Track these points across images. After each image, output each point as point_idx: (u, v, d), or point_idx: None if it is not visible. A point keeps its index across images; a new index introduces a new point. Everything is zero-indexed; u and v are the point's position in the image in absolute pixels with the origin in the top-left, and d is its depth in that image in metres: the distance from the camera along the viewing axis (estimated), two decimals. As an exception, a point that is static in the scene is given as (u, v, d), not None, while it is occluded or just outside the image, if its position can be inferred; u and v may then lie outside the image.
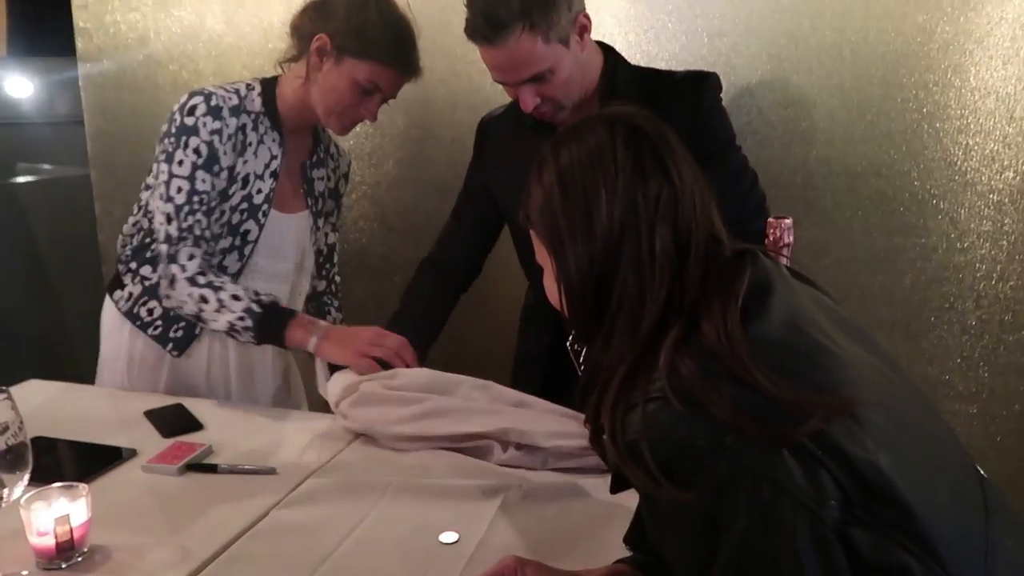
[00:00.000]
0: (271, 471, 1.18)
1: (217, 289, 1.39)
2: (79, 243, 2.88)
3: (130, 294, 1.53)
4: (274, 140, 1.48)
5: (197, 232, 1.41)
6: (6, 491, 0.85)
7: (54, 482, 0.97)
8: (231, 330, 1.39)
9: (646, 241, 0.77)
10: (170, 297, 1.43)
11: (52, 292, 3.23)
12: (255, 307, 1.38)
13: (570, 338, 0.89)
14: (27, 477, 0.87)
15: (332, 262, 1.71)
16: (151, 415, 1.37)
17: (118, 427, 1.33)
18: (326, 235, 1.66)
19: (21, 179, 3.15)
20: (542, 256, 0.85)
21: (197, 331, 1.52)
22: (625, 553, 0.92)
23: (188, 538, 1.01)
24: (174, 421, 1.35)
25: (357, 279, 2.30)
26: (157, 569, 0.95)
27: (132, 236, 1.54)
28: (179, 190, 1.40)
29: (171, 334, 1.52)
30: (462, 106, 2.23)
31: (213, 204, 1.43)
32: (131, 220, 1.55)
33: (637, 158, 0.79)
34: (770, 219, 1.08)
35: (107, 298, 1.58)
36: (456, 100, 2.22)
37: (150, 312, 1.52)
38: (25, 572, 0.93)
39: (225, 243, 1.47)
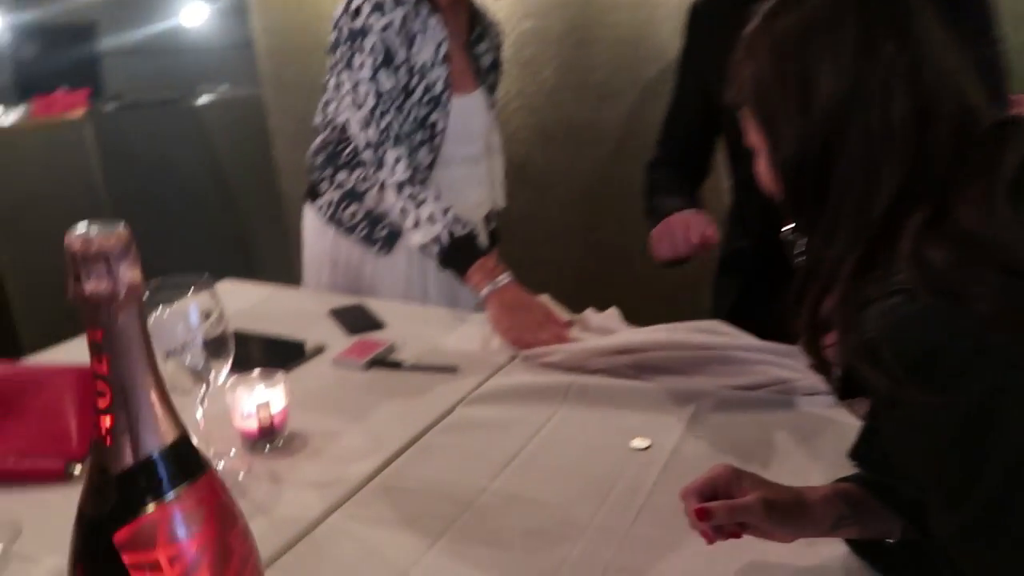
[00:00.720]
0: (453, 369, 1.17)
1: (419, 204, 1.39)
2: (255, 157, 3.02)
3: (329, 201, 1.57)
4: (436, 23, 1.44)
5: (395, 130, 1.40)
6: (212, 375, 0.88)
7: (272, 363, 1.02)
8: (421, 248, 1.40)
9: (878, 111, 0.65)
10: (381, 203, 1.47)
11: (234, 202, 3.43)
12: (444, 237, 1.36)
13: (783, 230, 0.79)
14: (229, 363, 0.89)
15: None
16: (336, 314, 1.40)
17: (305, 324, 1.37)
18: None
19: (201, 101, 3.32)
20: (755, 138, 0.75)
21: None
22: (846, 471, 0.83)
23: (378, 428, 1.03)
24: (358, 320, 1.38)
25: (518, 192, 2.25)
26: (352, 455, 0.96)
27: (321, 150, 1.57)
28: (367, 94, 1.39)
29: (376, 234, 1.54)
30: (623, 6, 2.09)
31: (400, 102, 1.41)
32: (318, 139, 1.57)
33: (867, 18, 0.67)
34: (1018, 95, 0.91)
35: (307, 207, 1.63)
36: (616, 0, 2.09)
37: (352, 215, 1.55)
38: (233, 450, 0.97)
39: (415, 139, 1.45)
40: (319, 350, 1.26)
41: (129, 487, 0.46)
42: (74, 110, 2.99)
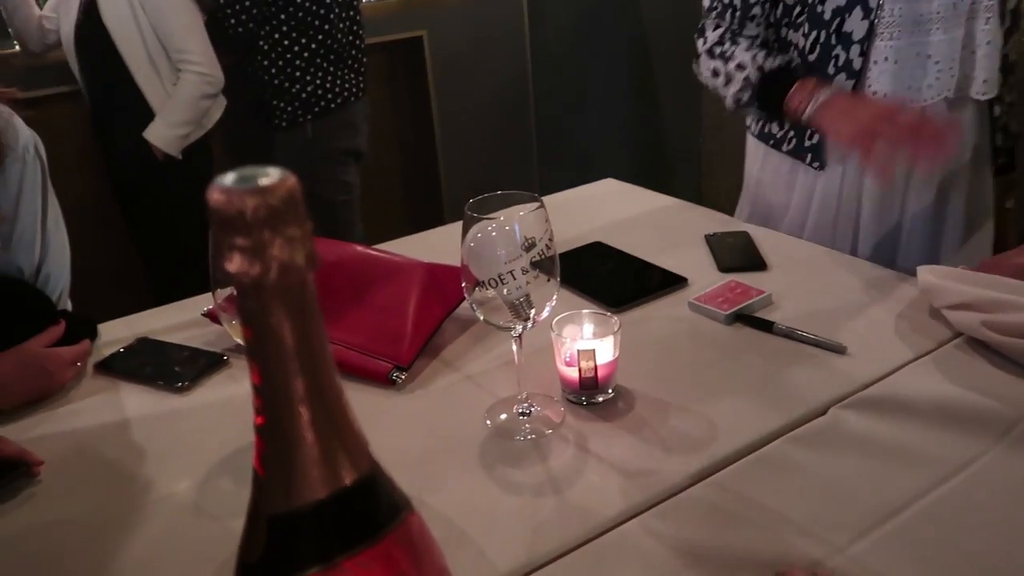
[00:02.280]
0: (840, 349, 0.88)
1: (727, 60, 1.23)
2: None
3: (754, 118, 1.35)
4: None
5: (727, 1, 1.23)
6: (533, 311, 0.74)
7: (603, 298, 0.91)
8: (738, 106, 1.22)
9: None
10: (701, 75, 1.30)
11: (655, 92, 3.29)
12: (754, 76, 1.19)
13: None
14: (555, 297, 0.75)
15: None
16: (712, 240, 1.18)
17: (677, 247, 1.17)
18: None
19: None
20: None
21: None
22: None
23: (720, 412, 0.80)
24: (735, 253, 1.14)
25: None
26: (679, 442, 0.76)
27: None
28: None
29: (806, 143, 1.24)
30: None
31: None
32: None
33: None
34: None
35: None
36: None
37: (780, 126, 1.28)
38: (555, 397, 0.84)
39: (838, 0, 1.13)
40: (682, 284, 1.06)
41: (281, 537, 0.33)
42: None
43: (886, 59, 1.12)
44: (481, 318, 0.75)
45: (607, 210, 1.37)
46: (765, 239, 1.18)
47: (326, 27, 2.07)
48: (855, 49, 1.13)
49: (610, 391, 0.83)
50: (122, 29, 1.90)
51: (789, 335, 0.92)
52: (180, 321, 1.04)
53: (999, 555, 0.61)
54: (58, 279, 1.00)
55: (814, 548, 0.62)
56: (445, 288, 0.96)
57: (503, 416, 0.82)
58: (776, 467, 0.72)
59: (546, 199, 0.73)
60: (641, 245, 1.18)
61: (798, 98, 1.13)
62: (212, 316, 0.99)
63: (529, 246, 0.72)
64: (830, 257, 1.14)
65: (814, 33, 1.16)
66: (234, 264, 0.29)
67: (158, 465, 0.79)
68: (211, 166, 2.14)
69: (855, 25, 1.12)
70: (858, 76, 1.14)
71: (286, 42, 2.05)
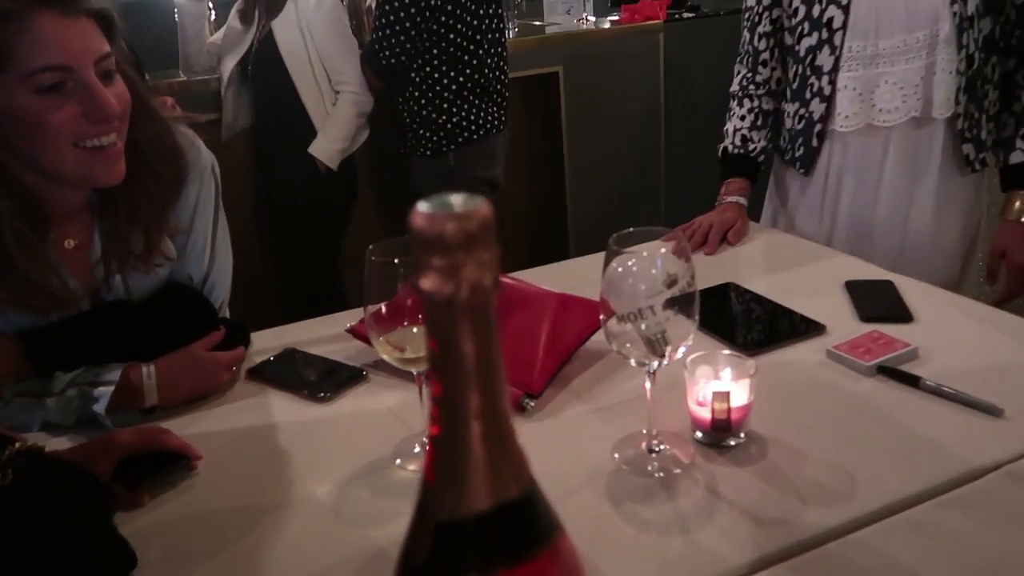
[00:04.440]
0: (996, 411, 0.83)
1: (730, 117, 1.56)
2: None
3: None
4: None
5: (751, 43, 1.51)
6: (668, 348, 0.74)
7: (738, 340, 0.93)
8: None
9: None
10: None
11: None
12: (720, 151, 1.57)
13: None
14: (691, 335, 0.74)
15: None
16: (852, 287, 1.14)
17: (814, 292, 1.14)
18: None
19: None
20: None
21: (816, 143, 1.44)
22: None
23: (856, 467, 0.77)
24: (878, 302, 1.09)
25: None
26: (812, 495, 0.74)
27: None
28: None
29: (796, 153, 1.49)
30: None
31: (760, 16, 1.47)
32: None
33: None
34: None
35: None
36: None
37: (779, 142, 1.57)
38: (685, 437, 0.83)
39: (811, 40, 1.39)
40: (813, 330, 1.03)
41: (446, 543, 0.35)
42: (655, 18, 3.10)
43: (846, 87, 1.37)
44: (616, 351, 0.76)
45: (738, 250, 1.35)
46: (910, 289, 1.12)
47: (475, 62, 2.16)
48: (825, 79, 1.38)
49: (742, 435, 0.82)
50: (295, 56, 2.11)
51: (938, 392, 0.87)
52: (324, 335, 1.11)
53: None
54: (221, 289, 1.08)
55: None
56: (578, 319, 0.98)
57: (631, 451, 0.82)
58: (925, 531, 0.69)
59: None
60: (775, 288, 1.15)
61: (723, 191, 1.50)
62: (355, 332, 1.05)
63: (671, 283, 0.72)
64: (981, 311, 1.07)
65: (794, 67, 1.44)
66: (429, 282, 0.31)
67: (301, 468, 0.84)
68: (356, 187, 2.33)
69: (824, 60, 1.38)
70: (828, 101, 1.39)
71: (436, 75, 2.15)
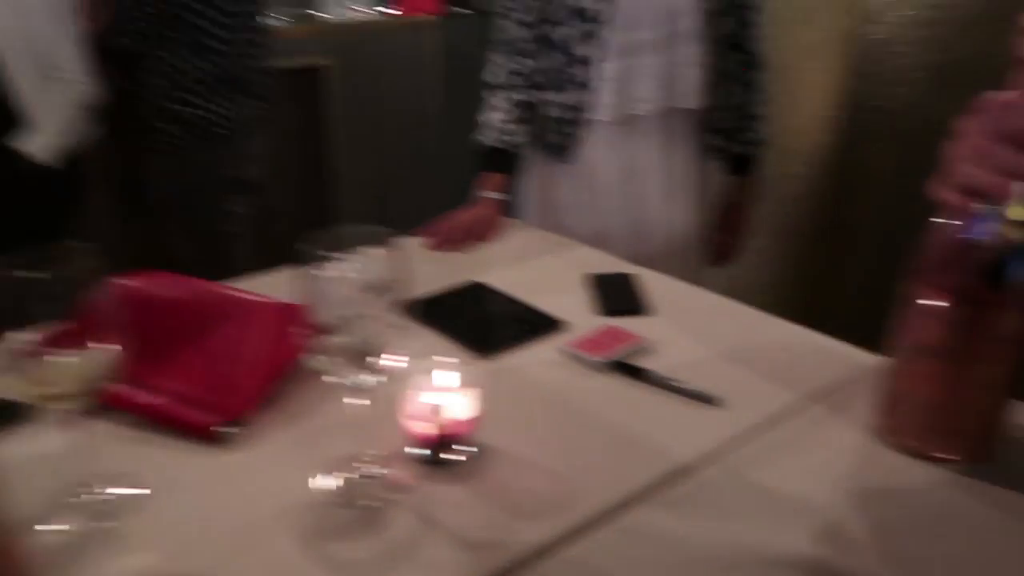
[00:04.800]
0: (716, 401, 0.83)
1: (491, 109, 1.49)
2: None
3: None
4: None
5: (513, 33, 1.46)
6: (383, 360, 0.66)
7: (475, 344, 0.85)
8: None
9: None
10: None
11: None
12: (478, 143, 1.49)
13: None
14: (408, 346, 0.66)
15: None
16: (594, 281, 1.13)
17: (563, 289, 1.11)
18: None
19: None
20: None
21: (577, 134, 1.45)
22: None
23: (589, 471, 0.74)
24: (617, 295, 1.08)
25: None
26: (534, 506, 0.69)
27: None
28: None
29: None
30: None
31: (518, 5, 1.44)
32: None
33: None
34: None
35: None
36: None
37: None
38: (404, 458, 0.75)
39: (571, 31, 1.39)
40: (551, 328, 1.00)
41: None
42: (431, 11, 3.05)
43: (606, 77, 1.40)
44: (323, 367, 0.66)
45: (490, 248, 1.30)
46: (652, 282, 1.13)
47: (225, 50, 1.97)
48: (585, 69, 1.40)
49: (468, 449, 0.76)
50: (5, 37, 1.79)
51: (662, 385, 0.86)
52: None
53: None
54: None
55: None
56: (291, 331, 0.87)
57: (339, 480, 0.73)
58: (634, 535, 0.66)
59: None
60: (522, 286, 1.11)
61: (479, 184, 1.45)
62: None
63: (382, 289, 0.64)
64: (714, 301, 1.10)
65: (555, 57, 1.43)
66: None
67: None
68: (82, 189, 2.02)
69: (585, 50, 1.39)
70: (589, 91, 1.41)
71: (178, 64, 1.93)
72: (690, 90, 1.42)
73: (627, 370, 0.89)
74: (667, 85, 1.41)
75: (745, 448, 0.76)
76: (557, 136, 1.47)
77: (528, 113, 1.49)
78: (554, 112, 1.46)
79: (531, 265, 1.24)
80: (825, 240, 2.14)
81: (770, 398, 0.84)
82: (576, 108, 1.43)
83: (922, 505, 0.68)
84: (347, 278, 0.65)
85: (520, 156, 1.50)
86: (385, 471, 0.73)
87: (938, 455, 0.72)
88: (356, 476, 0.72)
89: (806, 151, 2.11)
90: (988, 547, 0.64)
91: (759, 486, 0.71)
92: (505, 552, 0.63)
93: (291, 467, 0.75)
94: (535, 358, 0.94)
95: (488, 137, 1.48)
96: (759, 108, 1.53)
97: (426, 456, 0.75)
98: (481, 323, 1.04)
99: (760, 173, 1.59)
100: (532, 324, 1.01)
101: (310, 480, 0.72)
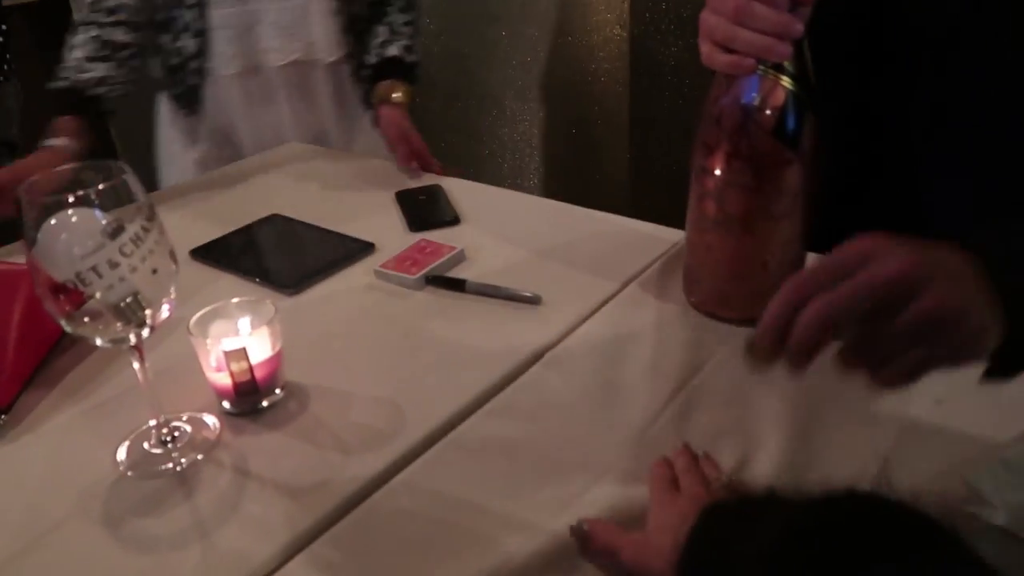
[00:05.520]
0: (536, 300, 0.82)
1: (71, 48, 1.23)
2: None
3: None
4: None
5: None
6: (149, 312, 0.58)
7: (277, 280, 0.79)
8: None
9: None
10: None
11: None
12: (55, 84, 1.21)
13: None
14: (172, 292, 0.58)
15: None
16: (401, 198, 1.07)
17: (367, 211, 1.05)
18: None
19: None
20: None
21: (194, 82, 1.32)
22: None
23: (416, 392, 0.70)
24: (426, 210, 1.04)
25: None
26: (358, 442, 0.65)
27: None
28: None
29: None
30: None
31: None
32: None
33: None
34: None
35: None
36: None
37: None
38: (209, 413, 0.68)
39: None
40: (368, 250, 0.94)
41: None
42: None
43: (220, 25, 1.27)
44: (69, 331, 0.57)
45: (290, 178, 1.21)
46: (460, 190, 1.09)
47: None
48: (193, 14, 1.26)
49: (278, 392, 0.69)
50: None
51: (481, 292, 0.83)
52: None
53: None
54: None
55: (518, 534, 0.54)
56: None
57: (139, 451, 0.65)
58: (471, 447, 0.63)
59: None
60: (329, 213, 1.04)
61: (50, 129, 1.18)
62: None
63: (116, 230, 0.55)
64: (527, 202, 1.08)
65: None
66: None
67: None
68: None
69: None
70: (202, 38, 1.28)
71: None
72: (322, 41, 1.31)
73: (445, 283, 0.85)
74: (295, 35, 1.30)
75: (568, 341, 0.75)
76: (178, 87, 1.34)
77: (116, 53, 1.25)
78: (173, 60, 1.32)
79: (337, 189, 1.16)
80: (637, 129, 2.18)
81: (591, 290, 0.83)
82: (189, 56, 1.29)
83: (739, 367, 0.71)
84: (73, 223, 0.55)
85: (97, 99, 1.23)
86: (189, 429, 0.66)
87: (745, 316, 0.75)
88: (156, 441, 0.64)
89: (605, 46, 2.12)
90: (809, 393, 0.66)
91: (585, 377, 0.70)
92: (333, 491, 0.59)
93: (80, 446, 0.66)
94: (346, 285, 0.88)
95: (62, 77, 1.22)
96: (404, 28, 1.35)
97: (234, 406, 0.68)
98: (282, 257, 0.96)
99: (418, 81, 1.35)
100: (339, 250, 0.94)
101: (104, 455, 0.64)
